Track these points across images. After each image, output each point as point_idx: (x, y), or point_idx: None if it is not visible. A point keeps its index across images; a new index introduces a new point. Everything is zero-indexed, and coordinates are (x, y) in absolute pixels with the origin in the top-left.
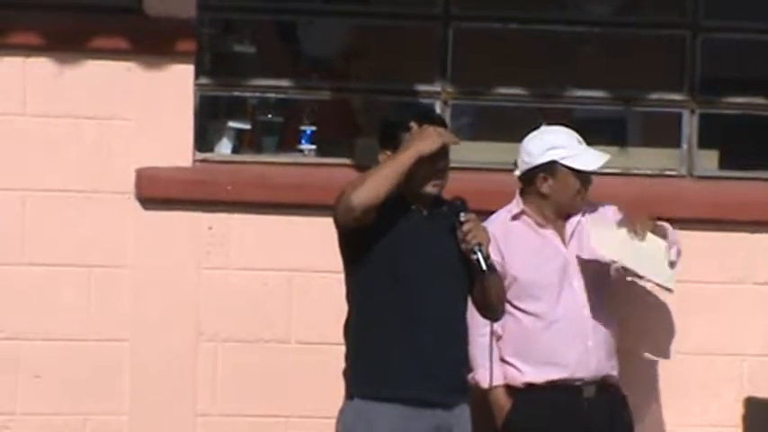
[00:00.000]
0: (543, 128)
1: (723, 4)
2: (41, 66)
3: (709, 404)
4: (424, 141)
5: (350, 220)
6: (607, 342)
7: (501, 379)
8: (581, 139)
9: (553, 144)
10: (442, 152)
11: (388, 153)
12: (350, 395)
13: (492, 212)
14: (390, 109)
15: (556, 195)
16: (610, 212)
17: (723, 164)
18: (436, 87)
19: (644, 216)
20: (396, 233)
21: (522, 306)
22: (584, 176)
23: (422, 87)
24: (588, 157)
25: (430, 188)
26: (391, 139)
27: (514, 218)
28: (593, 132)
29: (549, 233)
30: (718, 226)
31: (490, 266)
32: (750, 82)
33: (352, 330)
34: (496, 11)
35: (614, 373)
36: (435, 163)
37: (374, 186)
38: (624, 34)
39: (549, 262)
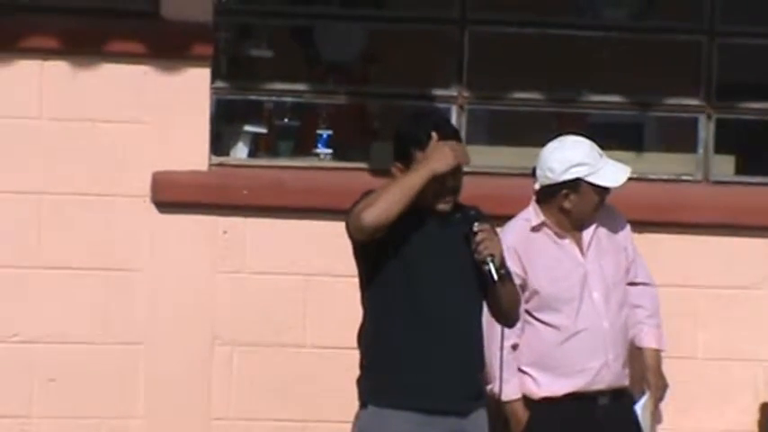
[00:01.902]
0: (563, 139)
1: (739, 9)
2: (58, 69)
3: (724, 410)
4: (437, 161)
5: (361, 237)
6: (624, 354)
7: (518, 392)
8: (600, 150)
9: (576, 161)
10: (454, 170)
11: (399, 165)
12: (364, 403)
13: (507, 217)
14: (404, 120)
15: (576, 210)
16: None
17: (739, 169)
18: (452, 92)
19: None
20: (409, 242)
21: (541, 317)
22: (604, 190)
23: (438, 92)
24: (611, 172)
25: (441, 206)
26: (403, 154)
27: (534, 229)
28: (609, 137)
29: (568, 244)
30: (734, 231)
31: (502, 277)
32: (767, 87)
33: (366, 338)
34: (513, 15)
35: (626, 382)
36: (446, 182)
37: (385, 207)
38: (641, 39)
39: (570, 274)
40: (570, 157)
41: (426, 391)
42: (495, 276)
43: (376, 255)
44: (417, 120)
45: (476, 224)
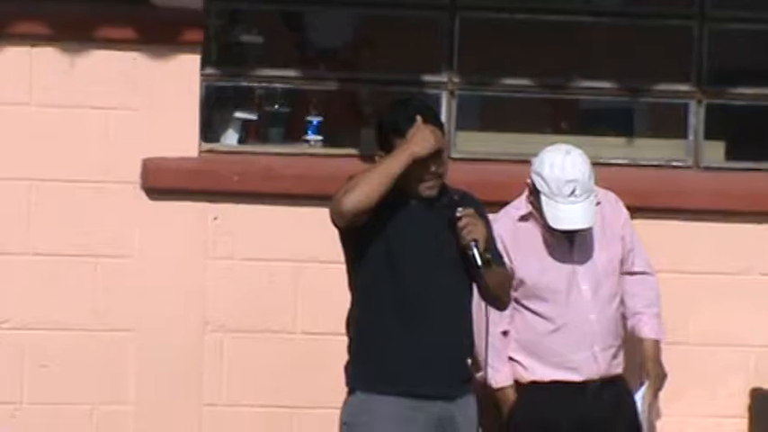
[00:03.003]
0: (571, 151)
1: None
2: (48, 55)
3: (714, 395)
4: (417, 144)
5: (342, 223)
6: (614, 344)
7: (510, 379)
8: (585, 191)
9: (547, 177)
10: (435, 155)
11: (381, 154)
12: (351, 389)
13: (497, 203)
14: (385, 109)
15: (534, 209)
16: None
17: (730, 155)
18: (443, 78)
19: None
20: (394, 227)
21: (530, 306)
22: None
23: (428, 78)
24: (562, 213)
25: (425, 191)
26: (384, 142)
27: (523, 218)
28: (599, 123)
29: (557, 234)
30: (725, 217)
31: (486, 262)
32: (757, 73)
33: (353, 324)
34: (504, 1)
35: (619, 370)
36: (428, 165)
37: (365, 191)
38: (631, 24)
39: (557, 265)
40: (548, 169)
41: (413, 376)
42: (479, 261)
43: (361, 240)
44: (397, 108)
45: (459, 209)
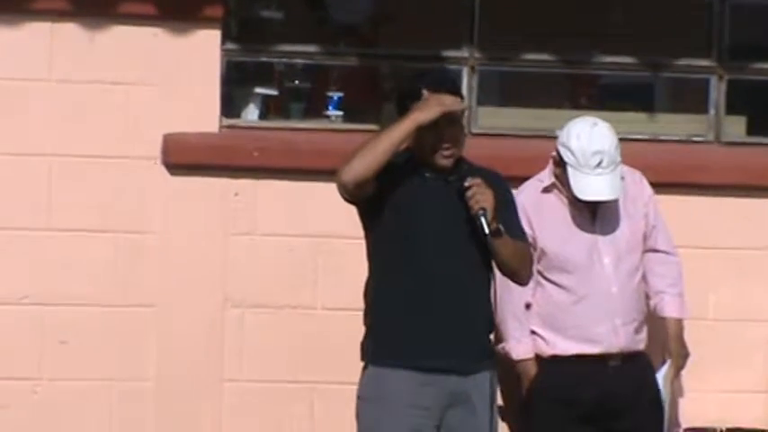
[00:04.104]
0: (598, 123)
1: None
2: (68, 31)
3: (736, 370)
4: (421, 111)
5: (346, 194)
6: (636, 319)
7: (531, 352)
8: (611, 162)
9: (573, 148)
10: (448, 121)
11: None
12: (365, 363)
13: (518, 178)
14: (405, 79)
15: (559, 183)
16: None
17: (750, 130)
18: (464, 53)
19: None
20: (407, 199)
21: (551, 278)
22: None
23: (449, 53)
24: (587, 185)
25: (441, 160)
26: (403, 110)
27: (546, 190)
28: (620, 98)
29: (580, 207)
30: (746, 192)
31: (494, 231)
32: None
33: (369, 296)
34: None
35: (641, 346)
36: (441, 133)
37: (365, 161)
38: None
39: (579, 237)
40: (575, 140)
41: (425, 349)
42: (487, 230)
43: (375, 212)
44: (416, 77)
45: (468, 179)
